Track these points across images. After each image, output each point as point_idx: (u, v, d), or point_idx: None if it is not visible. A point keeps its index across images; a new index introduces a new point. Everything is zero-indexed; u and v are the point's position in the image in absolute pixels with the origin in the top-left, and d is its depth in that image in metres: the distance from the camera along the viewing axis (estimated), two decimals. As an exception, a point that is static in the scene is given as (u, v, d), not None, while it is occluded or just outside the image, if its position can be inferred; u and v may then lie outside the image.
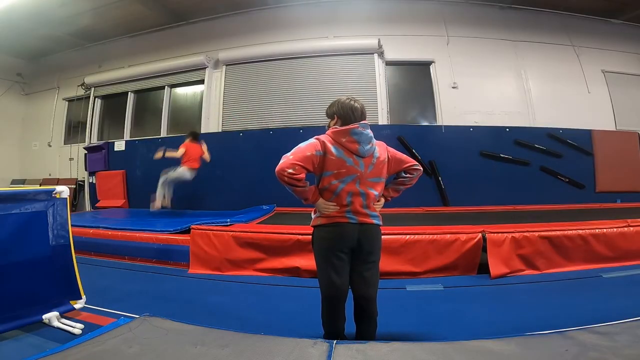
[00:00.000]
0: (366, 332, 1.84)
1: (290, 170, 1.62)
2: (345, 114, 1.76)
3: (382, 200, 1.88)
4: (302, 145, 1.71)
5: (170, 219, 4.72)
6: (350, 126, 1.72)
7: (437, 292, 2.54)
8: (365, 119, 1.80)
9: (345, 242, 1.73)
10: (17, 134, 8.61)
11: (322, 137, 1.74)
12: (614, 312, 2.17)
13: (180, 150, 5.15)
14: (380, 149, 1.80)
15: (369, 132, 1.76)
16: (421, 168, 1.93)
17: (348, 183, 1.71)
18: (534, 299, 2.63)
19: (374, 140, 1.78)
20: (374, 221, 1.78)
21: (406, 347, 1.77)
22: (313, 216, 1.85)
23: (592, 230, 3.35)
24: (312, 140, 1.72)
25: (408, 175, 1.90)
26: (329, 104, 1.88)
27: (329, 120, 1.86)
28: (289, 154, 1.68)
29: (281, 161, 1.66)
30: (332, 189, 1.72)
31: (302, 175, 1.65)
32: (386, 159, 1.81)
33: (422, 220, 4.19)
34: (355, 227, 1.73)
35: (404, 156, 1.91)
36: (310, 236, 1.87)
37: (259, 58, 6.49)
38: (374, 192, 1.77)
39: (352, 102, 1.79)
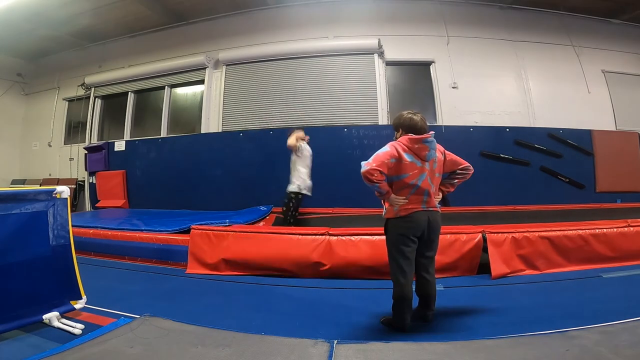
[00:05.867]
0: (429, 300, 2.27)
1: (375, 174, 2.01)
2: (409, 126, 2.18)
3: (440, 194, 2.29)
4: (380, 152, 2.08)
5: (170, 219, 4.72)
6: (424, 136, 2.12)
7: (438, 292, 2.54)
8: (427, 129, 2.19)
9: (420, 228, 2.12)
10: (17, 134, 8.60)
11: (396, 144, 2.13)
12: (614, 312, 2.17)
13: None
14: (438, 152, 2.21)
15: (434, 140, 2.17)
16: (472, 169, 2.32)
17: (423, 180, 2.12)
18: (534, 299, 2.63)
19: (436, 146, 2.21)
20: (437, 208, 2.24)
21: (406, 347, 1.77)
22: (386, 209, 2.20)
23: (592, 230, 3.35)
24: (388, 148, 2.10)
25: (460, 173, 2.30)
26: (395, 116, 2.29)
27: (395, 132, 2.29)
28: (370, 160, 2.04)
29: (365, 167, 2.02)
30: (410, 187, 2.11)
31: (383, 177, 2.05)
32: (442, 160, 2.24)
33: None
34: (426, 214, 2.15)
35: (459, 158, 2.32)
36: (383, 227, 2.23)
37: (259, 58, 6.49)
38: (435, 187, 2.21)
39: (413, 116, 2.20)
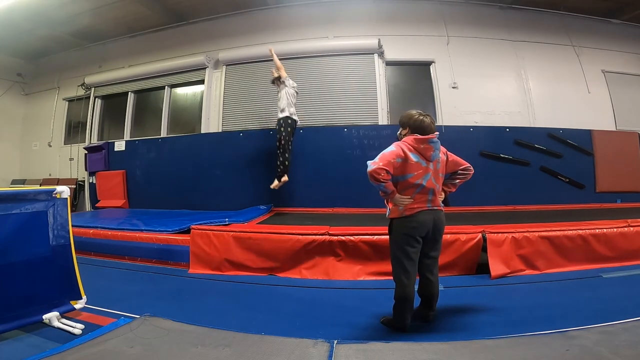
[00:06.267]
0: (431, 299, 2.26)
1: (382, 174, 2.00)
2: (417, 127, 2.17)
3: (443, 194, 2.31)
4: (386, 152, 2.08)
5: (170, 219, 4.72)
6: (429, 136, 2.13)
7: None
8: (434, 130, 2.19)
9: (425, 227, 2.12)
10: (17, 134, 8.59)
11: (401, 144, 2.13)
12: (614, 312, 2.17)
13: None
14: (441, 153, 2.23)
15: (438, 140, 2.19)
16: (473, 169, 2.36)
17: (427, 180, 2.13)
18: (534, 299, 2.64)
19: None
20: (441, 207, 2.25)
21: (406, 347, 1.77)
22: (390, 209, 2.20)
23: (592, 230, 3.35)
24: (394, 148, 2.10)
25: (461, 173, 2.34)
26: (401, 114, 2.32)
27: (400, 128, 2.29)
28: (376, 159, 2.04)
29: (372, 166, 2.01)
30: (415, 186, 2.11)
31: (389, 177, 2.04)
32: (445, 160, 2.26)
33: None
34: (432, 213, 2.16)
35: (460, 159, 2.36)
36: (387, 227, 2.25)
37: (259, 58, 6.47)
38: (439, 186, 2.23)
39: (424, 119, 2.19)
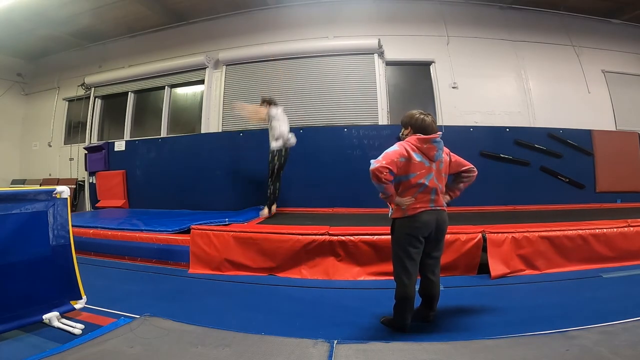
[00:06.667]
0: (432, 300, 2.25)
1: (385, 172, 1.99)
2: (419, 127, 2.17)
3: (447, 197, 2.31)
4: (389, 151, 2.07)
5: (170, 219, 4.72)
6: (432, 136, 2.13)
7: (438, 292, 2.55)
8: (437, 130, 2.19)
9: (428, 228, 2.11)
10: (17, 134, 8.59)
11: (405, 144, 2.12)
12: (614, 312, 2.17)
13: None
14: (444, 153, 2.22)
15: (441, 140, 2.18)
16: (476, 170, 2.35)
17: (430, 180, 2.12)
18: (534, 299, 2.64)
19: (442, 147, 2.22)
20: (444, 207, 2.23)
21: (406, 347, 1.77)
22: (392, 208, 2.19)
23: (592, 230, 3.35)
24: (397, 147, 2.10)
25: (465, 176, 2.34)
26: (403, 114, 2.31)
27: (402, 128, 2.28)
28: (380, 158, 2.02)
29: (375, 164, 2.00)
30: (418, 186, 2.10)
31: (391, 177, 2.03)
32: (448, 161, 2.26)
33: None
34: (435, 213, 2.15)
35: (463, 160, 2.35)
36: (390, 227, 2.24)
37: (259, 58, 6.48)
38: (442, 186, 2.22)
39: (425, 118, 2.20)
